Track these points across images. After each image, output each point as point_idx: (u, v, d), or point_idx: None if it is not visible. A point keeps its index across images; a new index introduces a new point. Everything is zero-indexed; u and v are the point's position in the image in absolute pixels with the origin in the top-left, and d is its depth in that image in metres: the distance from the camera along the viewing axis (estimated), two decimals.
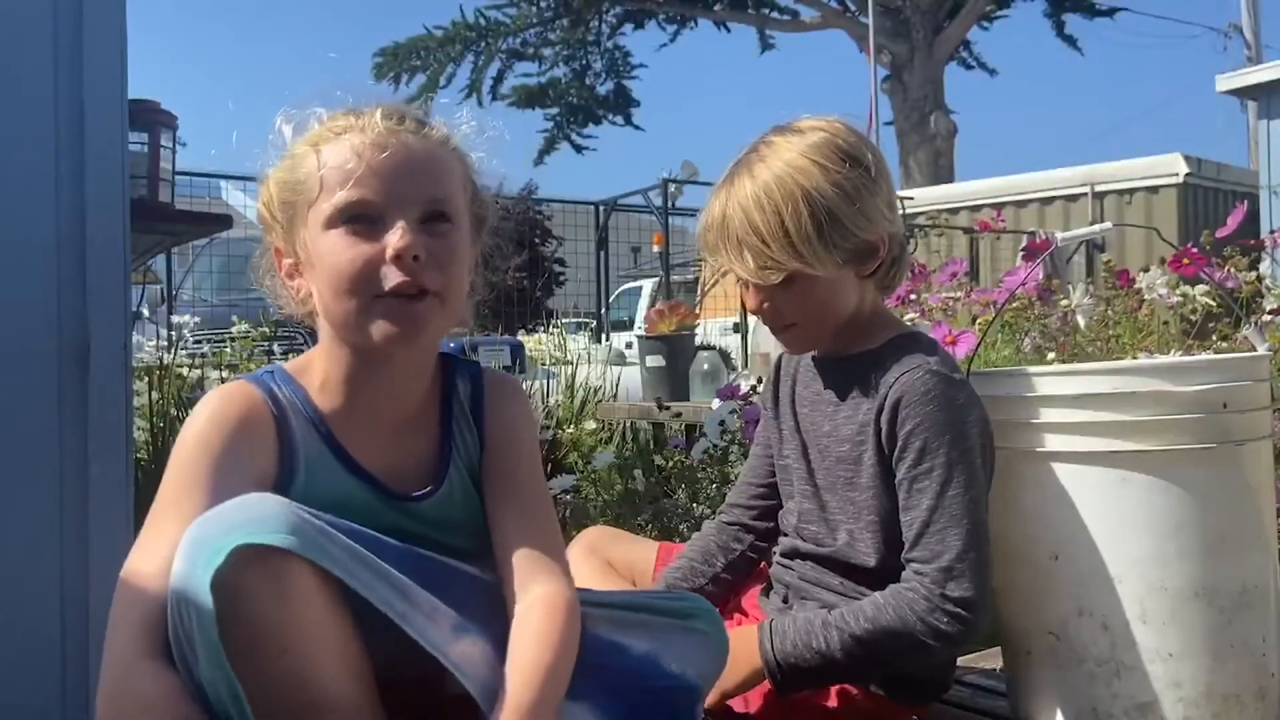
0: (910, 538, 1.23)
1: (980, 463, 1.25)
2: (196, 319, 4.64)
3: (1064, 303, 2.36)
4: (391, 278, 1.02)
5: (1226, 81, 8.03)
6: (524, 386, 4.21)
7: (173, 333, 4.34)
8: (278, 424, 1.06)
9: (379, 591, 0.94)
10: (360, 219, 1.03)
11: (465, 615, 1.01)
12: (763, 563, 1.52)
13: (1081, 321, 2.32)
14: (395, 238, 1.02)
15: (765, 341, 3.15)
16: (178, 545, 0.89)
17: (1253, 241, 2.72)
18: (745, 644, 1.27)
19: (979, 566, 1.21)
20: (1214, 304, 2.27)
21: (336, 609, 0.92)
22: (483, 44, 18.71)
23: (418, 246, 1.02)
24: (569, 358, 5.14)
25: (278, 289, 1.14)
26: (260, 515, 0.89)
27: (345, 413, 1.10)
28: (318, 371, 1.11)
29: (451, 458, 1.14)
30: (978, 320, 2.36)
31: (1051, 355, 2.25)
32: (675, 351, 3.71)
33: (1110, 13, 17.76)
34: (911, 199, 8.99)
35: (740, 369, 4.62)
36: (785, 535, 1.43)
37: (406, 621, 0.95)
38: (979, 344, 1.68)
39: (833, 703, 1.31)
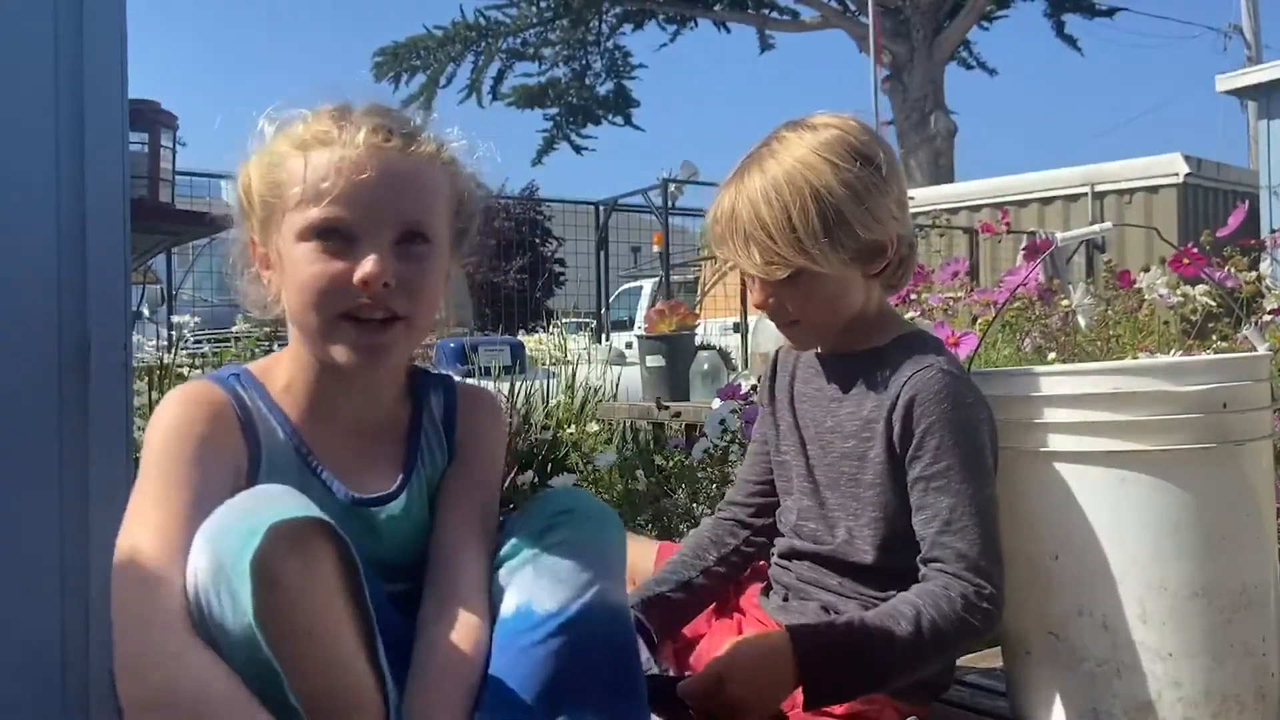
0: (930, 535, 1.23)
1: (990, 462, 1.25)
2: (196, 319, 4.65)
3: (1064, 303, 2.36)
4: (357, 299, 1.01)
5: (1226, 81, 8.04)
6: (523, 387, 4.15)
7: (173, 333, 4.35)
8: (242, 425, 1.05)
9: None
10: (333, 236, 1.02)
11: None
12: (761, 559, 1.52)
13: (1082, 321, 2.32)
14: (366, 265, 1.00)
15: (765, 341, 3.15)
16: (175, 538, 0.89)
17: (1253, 241, 2.73)
18: (782, 657, 1.20)
19: (999, 562, 1.22)
20: (1214, 304, 2.27)
21: (352, 591, 0.91)
22: (483, 44, 18.70)
23: (388, 274, 1.01)
24: (569, 358, 5.14)
25: (247, 289, 1.13)
26: (281, 497, 0.89)
27: (309, 417, 1.09)
28: (283, 374, 1.09)
29: (415, 469, 1.13)
30: (978, 320, 2.36)
31: (1052, 355, 2.26)
32: (675, 351, 3.71)
33: (1110, 13, 17.77)
34: (912, 199, 8.96)
35: (740, 369, 4.62)
36: (783, 535, 1.42)
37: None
38: (979, 344, 1.68)
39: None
